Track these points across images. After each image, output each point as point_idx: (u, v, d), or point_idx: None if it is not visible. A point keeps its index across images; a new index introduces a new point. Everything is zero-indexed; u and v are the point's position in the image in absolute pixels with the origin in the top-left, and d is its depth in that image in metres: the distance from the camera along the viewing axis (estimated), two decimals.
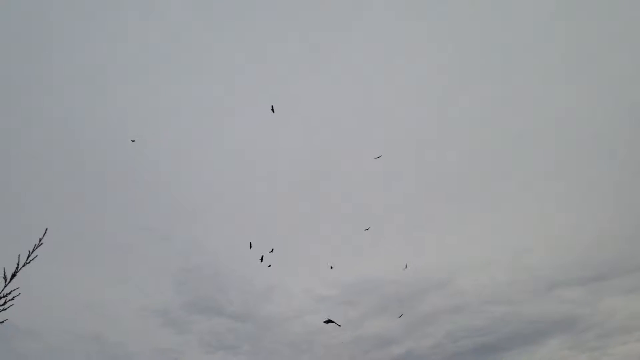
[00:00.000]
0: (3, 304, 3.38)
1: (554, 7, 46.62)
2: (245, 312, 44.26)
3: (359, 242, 47.88)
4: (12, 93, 42.71)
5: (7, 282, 3.44)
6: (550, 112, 48.76)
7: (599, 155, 45.01)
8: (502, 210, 48.58)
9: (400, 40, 52.32)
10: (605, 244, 41.67)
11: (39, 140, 43.43)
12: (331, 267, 25.84)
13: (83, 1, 44.10)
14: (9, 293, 3.41)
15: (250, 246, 22.57)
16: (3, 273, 3.48)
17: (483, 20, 50.27)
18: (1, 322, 3.36)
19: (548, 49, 48.63)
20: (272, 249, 22.36)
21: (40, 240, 3.66)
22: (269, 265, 23.59)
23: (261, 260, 21.75)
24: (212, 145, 52.69)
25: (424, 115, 52.02)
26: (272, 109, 18.85)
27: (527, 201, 47.23)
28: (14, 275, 3.49)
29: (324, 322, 13.57)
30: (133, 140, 25.84)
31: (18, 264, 3.54)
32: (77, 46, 45.59)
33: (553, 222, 45.06)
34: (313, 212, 49.90)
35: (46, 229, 3.77)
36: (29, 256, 3.57)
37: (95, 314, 38.75)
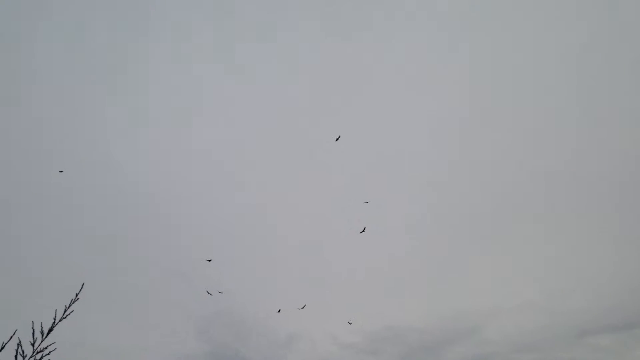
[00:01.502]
0: (40, 359, 3.53)
1: (579, 49, 47.26)
2: None
3: (381, 288, 46.90)
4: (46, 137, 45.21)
5: (43, 337, 3.61)
6: (591, 147, 47.95)
7: (634, 198, 43.69)
8: (529, 253, 47.03)
9: (412, 79, 53.57)
10: (638, 290, 39.71)
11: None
12: (350, 323, 26.39)
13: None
14: (46, 348, 3.57)
15: (279, 311, 24.02)
16: (40, 328, 3.67)
17: (502, 59, 51.20)
18: None
19: (571, 88, 48.78)
20: (279, 310, 23.56)
21: (77, 295, 3.86)
22: (278, 310, 24.43)
23: (279, 311, 22.38)
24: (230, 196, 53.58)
25: (444, 154, 52.09)
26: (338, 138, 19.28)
27: (556, 245, 45.74)
28: (50, 330, 3.67)
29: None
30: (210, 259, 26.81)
31: (55, 319, 3.73)
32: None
33: (584, 267, 43.35)
34: (334, 257, 49.44)
35: (83, 284, 3.98)
36: (65, 311, 3.75)
37: None
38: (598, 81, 47.64)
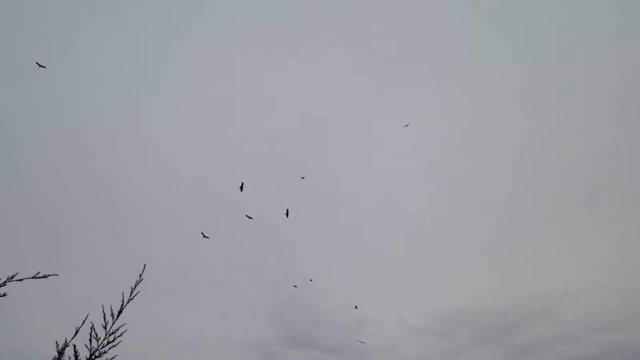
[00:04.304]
0: (113, 340, 3.51)
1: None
2: (337, 345, 43.64)
3: (450, 271, 45.66)
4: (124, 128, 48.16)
5: (115, 319, 3.58)
6: None
7: None
8: (609, 230, 43.47)
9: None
10: None
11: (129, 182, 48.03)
12: (356, 307, 27.17)
13: None
14: (117, 329, 3.54)
15: (356, 307, 24.58)
16: (110, 310, 3.64)
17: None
18: (112, 358, 3.47)
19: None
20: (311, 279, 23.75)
21: (140, 276, 3.81)
22: (311, 280, 25.29)
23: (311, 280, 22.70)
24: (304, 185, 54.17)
25: (520, 132, 49.18)
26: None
27: (636, 220, 41.94)
28: (120, 311, 3.63)
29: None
30: (304, 176, 26.91)
31: (123, 301, 3.70)
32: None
33: None
34: (401, 239, 48.76)
35: (144, 265, 3.93)
36: (131, 292, 3.72)
37: (195, 351, 40.73)
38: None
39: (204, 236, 22.65)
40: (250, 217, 22.69)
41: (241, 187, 22.17)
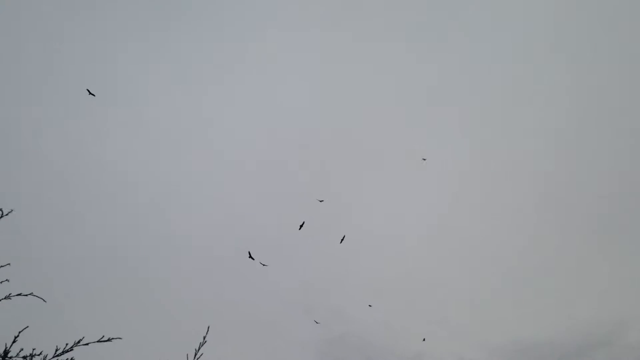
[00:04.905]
0: None
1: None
2: None
3: (504, 300, 42.80)
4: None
5: None
6: None
7: None
8: None
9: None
10: None
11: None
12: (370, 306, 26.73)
13: None
14: None
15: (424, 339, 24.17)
16: None
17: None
18: None
19: None
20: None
21: (204, 338, 3.68)
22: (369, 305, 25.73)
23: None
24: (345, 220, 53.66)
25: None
26: (250, 255, 18.95)
27: None
28: None
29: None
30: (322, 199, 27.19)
31: None
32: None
33: None
34: (452, 269, 46.55)
35: (208, 327, 3.80)
36: (195, 354, 3.57)
37: None
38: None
39: (251, 257, 22.24)
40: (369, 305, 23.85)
41: (301, 226, 22.15)
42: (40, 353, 3.39)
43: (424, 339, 26.63)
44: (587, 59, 48.48)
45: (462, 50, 52.16)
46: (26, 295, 3.75)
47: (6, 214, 3.95)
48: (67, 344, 3.43)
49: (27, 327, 3.55)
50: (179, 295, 44.87)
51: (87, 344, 3.49)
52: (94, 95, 21.08)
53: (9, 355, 3.37)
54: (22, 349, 3.41)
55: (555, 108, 49.68)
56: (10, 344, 3.38)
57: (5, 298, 3.60)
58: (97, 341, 3.55)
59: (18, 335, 3.44)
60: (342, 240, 20.43)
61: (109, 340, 3.61)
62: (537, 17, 49.61)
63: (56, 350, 3.41)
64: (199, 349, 3.61)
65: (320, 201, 27.38)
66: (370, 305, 26.44)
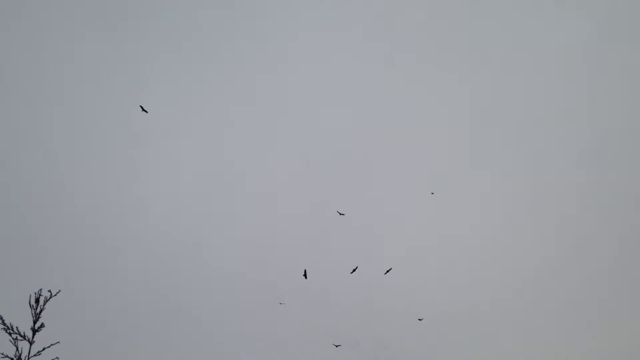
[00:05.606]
0: None
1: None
2: None
3: (553, 324, 40.66)
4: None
5: None
6: None
7: None
8: None
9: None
10: None
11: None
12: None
13: None
14: None
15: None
16: None
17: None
18: None
19: None
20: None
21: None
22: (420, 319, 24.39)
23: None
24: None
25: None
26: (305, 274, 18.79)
27: None
28: None
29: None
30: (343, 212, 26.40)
31: None
32: None
33: None
34: (498, 293, 44.10)
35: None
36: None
37: None
38: None
39: (305, 275, 21.72)
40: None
41: (305, 275, 21.14)
42: None
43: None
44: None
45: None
46: None
47: (55, 295, 4.64)
48: None
49: None
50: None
51: None
52: (147, 112, 20.17)
53: None
54: None
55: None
56: None
57: None
58: None
59: None
60: (353, 270, 20.71)
61: None
62: None
63: None
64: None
65: (341, 214, 25.96)
66: (420, 319, 25.12)
